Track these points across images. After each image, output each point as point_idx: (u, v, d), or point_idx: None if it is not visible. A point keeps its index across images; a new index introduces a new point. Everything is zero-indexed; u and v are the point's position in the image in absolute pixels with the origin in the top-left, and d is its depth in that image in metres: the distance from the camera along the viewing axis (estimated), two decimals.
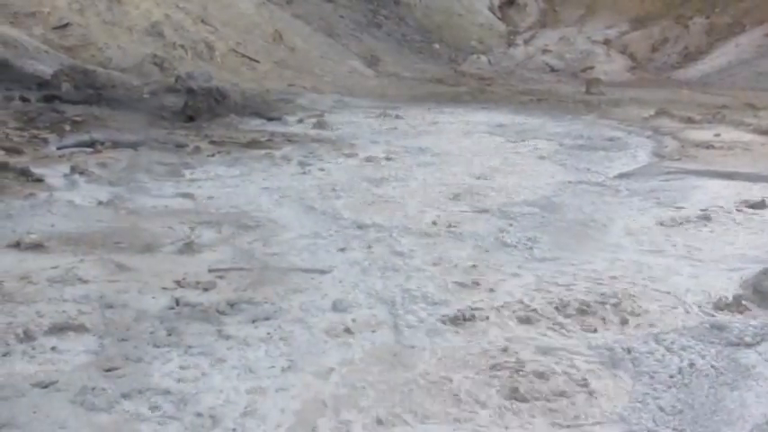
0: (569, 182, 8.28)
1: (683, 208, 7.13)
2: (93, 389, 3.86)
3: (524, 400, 3.85)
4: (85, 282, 5.25)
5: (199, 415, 3.71)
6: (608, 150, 10.09)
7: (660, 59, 19.79)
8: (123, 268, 5.50)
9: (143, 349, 4.35)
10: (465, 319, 4.71)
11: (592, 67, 19.23)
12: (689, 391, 3.92)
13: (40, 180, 7.68)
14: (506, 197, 7.63)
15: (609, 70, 19.10)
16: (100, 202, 7.14)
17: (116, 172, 8.34)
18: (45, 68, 12.53)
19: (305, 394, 3.90)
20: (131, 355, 4.29)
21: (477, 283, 5.31)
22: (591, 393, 3.93)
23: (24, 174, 7.68)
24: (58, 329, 4.52)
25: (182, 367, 4.16)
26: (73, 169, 8.11)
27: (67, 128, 10.02)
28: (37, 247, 5.85)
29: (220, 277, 5.38)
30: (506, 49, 21.20)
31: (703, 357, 4.26)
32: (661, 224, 6.73)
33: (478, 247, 6.09)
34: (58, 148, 9.26)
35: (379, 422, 3.66)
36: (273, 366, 4.17)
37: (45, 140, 9.55)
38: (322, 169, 8.78)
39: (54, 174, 8.01)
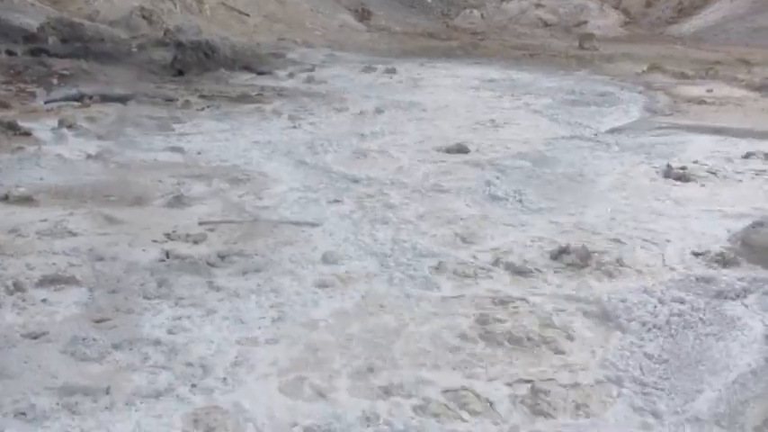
0: (561, 136, 8.27)
1: (673, 162, 7.13)
2: (84, 339, 3.86)
3: (515, 347, 3.88)
4: (75, 234, 5.24)
5: (189, 365, 3.73)
6: (600, 105, 10.07)
7: (654, 15, 19.67)
8: (113, 221, 5.49)
9: (133, 301, 4.36)
10: (455, 271, 4.73)
11: (585, 22, 19.10)
12: (675, 342, 3.96)
13: (27, 134, 7.62)
14: (498, 151, 7.62)
15: (602, 25, 18.98)
16: (89, 156, 7.10)
17: (105, 126, 8.28)
18: (31, 21, 12.35)
19: (295, 344, 3.92)
20: (122, 306, 4.30)
21: (468, 235, 5.32)
22: (581, 341, 3.97)
23: (12, 127, 7.62)
24: (49, 282, 4.52)
25: (172, 318, 4.17)
26: (61, 123, 8.04)
27: (55, 82, 9.93)
28: (26, 200, 5.83)
29: (211, 230, 5.38)
30: (499, 4, 21.02)
31: (690, 309, 4.29)
32: (651, 178, 6.74)
33: (469, 200, 6.10)
34: (46, 102, 9.17)
35: (369, 370, 3.69)
36: (264, 317, 4.19)
37: (32, 94, 9.47)
38: (312, 123, 8.74)
39: (42, 128, 7.94)
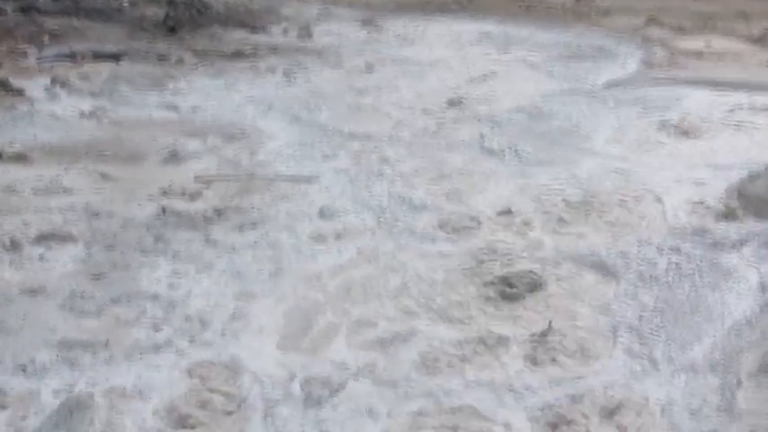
0: (557, 91, 8.19)
1: (671, 115, 7.09)
2: (82, 295, 3.88)
3: (512, 299, 3.90)
4: (71, 191, 5.22)
5: (188, 319, 3.75)
6: (597, 59, 9.94)
7: None
8: (108, 178, 5.46)
9: (130, 256, 4.37)
10: (452, 225, 4.74)
11: None
12: (671, 292, 3.98)
13: (20, 92, 7.54)
14: (494, 105, 7.55)
15: None
16: (82, 114, 7.03)
17: (98, 83, 8.19)
18: None
19: (293, 298, 3.94)
20: (119, 262, 4.30)
21: (464, 189, 5.31)
22: (576, 293, 3.99)
23: (4, 86, 7.53)
24: (45, 238, 4.52)
25: (170, 273, 4.18)
26: (53, 81, 7.95)
27: (46, 40, 9.79)
28: (20, 157, 5.79)
29: (206, 186, 5.36)
30: None
31: (686, 260, 4.31)
32: (648, 132, 6.70)
33: (465, 154, 6.07)
34: (38, 60, 9.06)
35: (368, 323, 3.71)
36: (261, 271, 4.20)
37: (24, 53, 9.36)
38: (307, 80, 8.65)
39: (34, 86, 7.86)
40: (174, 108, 7.38)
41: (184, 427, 3.00)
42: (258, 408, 3.10)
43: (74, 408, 2.92)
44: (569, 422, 3.01)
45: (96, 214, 4.87)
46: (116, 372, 3.32)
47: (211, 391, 3.21)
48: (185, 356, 3.44)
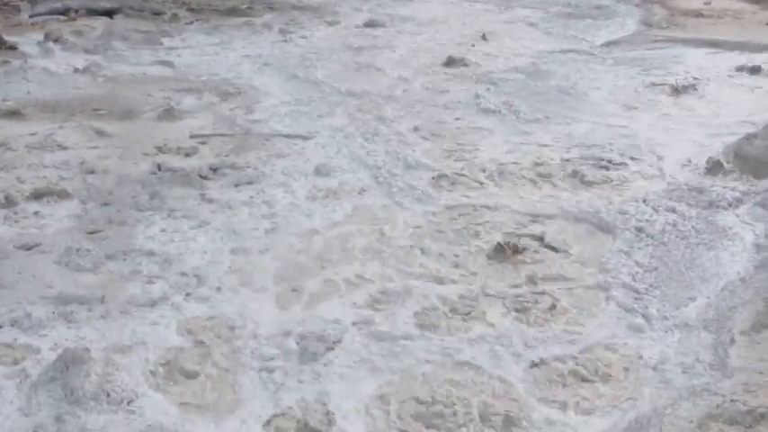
0: (555, 50, 8.15)
1: (668, 75, 7.06)
2: (78, 250, 3.87)
3: (510, 255, 3.90)
4: (65, 148, 5.20)
5: (183, 274, 3.74)
6: (595, 19, 9.90)
7: None
8: (103, 135, 5.44)
9: (126, 213, 4.35)
10: (448, 181, 4.73)
11: None
12: (666, 250, 3.98)
13: (13, 48, 7.49)
14: (492, 64, 7.52)
15: None
16: (76, 70, 6.99)
17: (92, 40, 8.13)
18: None
19: (288, 254, 3.94)
20: (114, 218, 4.29)
21: (460, 147, 5.30)
22: (573, 252, 3.99)
23: None
24: (40, 195, 4.51)
25: (165, 230, 4.17)
26: (47, 37, 7.89)
27: None
28: (14, 114, 5.76)
29: (202, 143, 5.34)
30: None
31: (682, 219, 4.31)
32: (646, 91, 6.67)
33: (463, 112, 6.05)
34: (31, 16, 8.98)
35: (364, 280, 3.71)
36: (257, 228, 4.20)
37: (17, 8, 9.26)
38: (303, 37, 8.59)
39: (28, 42, 7.81)
40: (169, 65, 7.34)
41: (180, 381, 3.01)
42: (254, 363, 3.11)
43: (70, 362, 2.92)
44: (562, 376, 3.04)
45: (91, 171, 4.85)
46: (112, 326, 3.32)
47: (207, 345, 3.22)
48: (181, 312, 3.44)
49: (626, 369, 3.10)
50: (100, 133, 5.44)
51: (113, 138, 5.39)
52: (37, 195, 4.49)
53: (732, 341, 3.15)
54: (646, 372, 3.08)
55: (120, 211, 4.37)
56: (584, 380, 3.04)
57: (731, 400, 2.64)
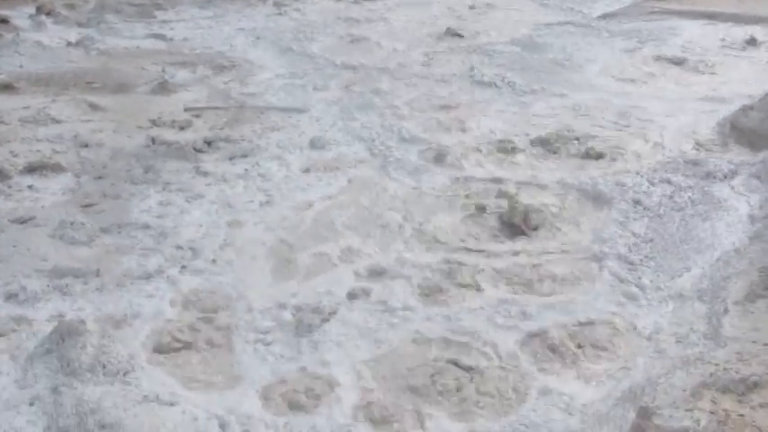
0: (552, 22, 8.10)
1: (665, 47, 7.03)
2: (72, 224, 3.86)
3: (510, 229, 3.91)
4: (59, 122, 5.17)
5: (179, 247, 3.74)
6: None
7: None
8: (97, 108, 5.41)
9: (120, 186, 4.34)
10: (442, 154, 4.71)
11: None
12: (662, 222, 3.99)
13: (4, 21, 7.41)
14: (488, 37, 7.47)
15: None
16: (69, 43, 6.93)
17: (84, 13, 8.06)
18: None
19: (283, 226, 3.93)
20: (109, 192, 4.28)
21: (456, 120, 5.28)
22: (569, 224, 3.99)
23: None
24: (34, 168, 4.49)
25: (160, 203, 4.16)
26: (39, 10, 7.81)
27: None
28: (6, 87, 5.72)
29: (196, 116, 5.31)
30: None
31: (678, 190, 4.31)
32: (642, 64, 6.65)
33: (458, 85, 6.02)
34: None
35: (359, 253, 3.71)
36: (252, 201, 4.19)
37: None
38: (298, 10, 8.53)
39: (19, 15, 7.73)
40: (163, 38, 7.28)
41: (176, 353, 3.01)
42: (249, 335, 3.11)
43: (65, 334, 2.92)
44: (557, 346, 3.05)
45: (85, 144, 4.83)
46: (107, 299, 3.32)
47: (203, 318, 3.22)
48: (176, 284, 3.44)
49: (620, 339, 3.11)
50: (93, 107, 5.41)
51: (107, 111, 5.36)
52: (31, 169, 4.47)
53: (726, 311, 3.16)
54: (640, 342, 3.09)
55: (115, 184, 4.36)
56: (578, 349, 3.05)
57: (724, 369, 2.65)
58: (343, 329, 3.15)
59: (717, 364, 2.73)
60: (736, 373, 2.61)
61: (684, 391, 2.63)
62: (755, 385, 2.53)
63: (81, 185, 4.35)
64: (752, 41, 7.14)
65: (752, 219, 3.96)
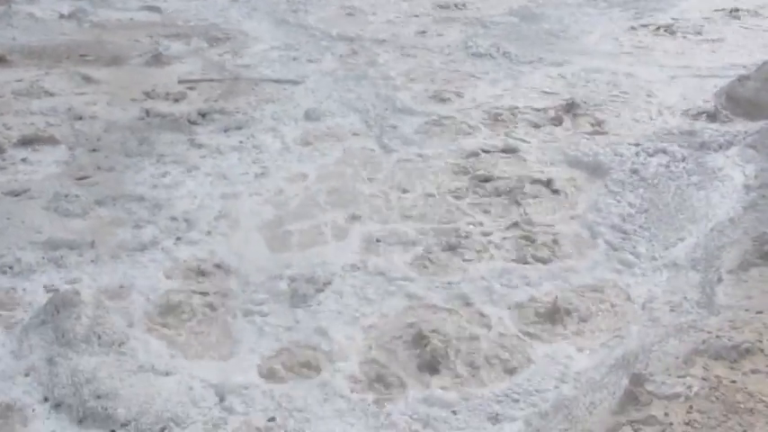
0: None
1: (662, 18, 6.98)
2: (67, 196, 3.85)
3: (498, 195, 3.91)
4: (52, 94, 5.14)
5: (173, 219, 3.74)
6: None
7: None
8: (90, 80, 5.38)
9: (114, 159, 4.33)
10: (438, 125, 4.70)
11: None
12: (657, 192, 3.98)
13: None
14: (484, 7, 7.42)
15: None
16: (62, 15, 6.88)
17: None
18: None
19: (278, 198, 3.93)
20: (103, 164, 4.27)
21: (452, 91, 5.26)
22: (565, 194, 4.00)
23: None
24: (28, 141, 4.47)
25: (155, 175, 4.15)
26: None
27: None
28: None
29: (191, 88, 5.29)
30: None
31: (673, 161, 4.30)
32: (639, 34, 6.61)
33: (454, 56, 5.99)
34: None
35: (352, 222, 3.71)
36: (247, 173, 4.18)
37: None
38: None
39: None
40: (156, 10, 7.23)
41: (171, 324, 3.02)
42: (245, 305, 3.12)
43: (60, 305, 2.92)
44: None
45: (79, 117, 4.81)
46: (102, 270, 3.33)
47: (198, 289, 3.22)
48: (171, 255, 3.44)
49: (614, 308, 3.13)
50: (87, 79, 5.38)
51: (101, 84, 5.33)
52: (24, 142, 4.45)
53: (719, 280, 3.16)
54: (634, 310, 3.10)
55: (109, 156, 4.35)
56: (572, 317, 3.06)
57: (717, 337, 2.66)
58: (339, 299, 3.15)
59: (709, 332, 2.74)
60: (729, 340, 2.62)
61: (677, 358, 2.64)
62: (747, 352, 2.54)
63: (75, 158, 4.33)
64: (749, 12, 7.09)
65: (747, 188, 3.95)
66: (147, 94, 5.15)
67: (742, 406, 2.30)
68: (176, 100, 5.08)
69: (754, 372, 2.46)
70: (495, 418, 2.57)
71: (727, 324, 2.80)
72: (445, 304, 3.13)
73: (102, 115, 4.84)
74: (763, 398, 2.33)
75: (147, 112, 4.85)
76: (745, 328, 2.73)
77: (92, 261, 3.40)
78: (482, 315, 3.07)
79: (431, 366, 2.81)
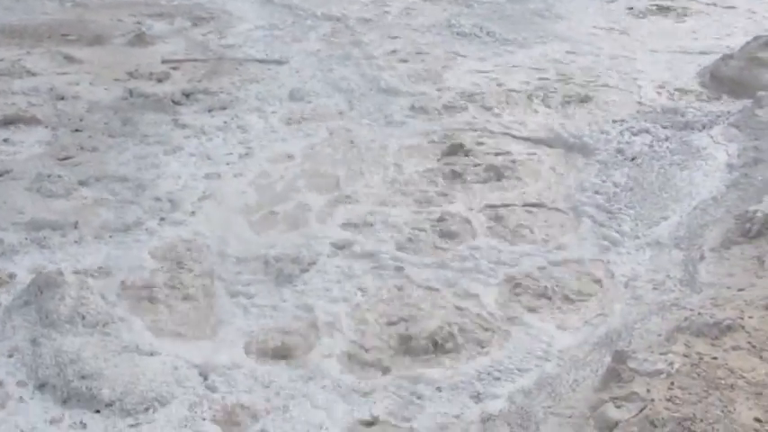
0: None
1: None
2: (49, 177, 3.82)
3: (485, 172, 3.91)
4: (34, 74, 5.09)
5: (157, 199, 3.72)
6: None
7: None
8: (72, 60, 5.32)
9: (98, 139, 4.30)
10: (422, 105, 4.69)
11: None
12: (641, 171, 4.00)
13: None
14: None
15: None
16: None
17: None
18: None
19: (263, 179, 3.92)
20: (86, 144, 4.24)
21: (436, 71, 5.25)
22: (552, 170, 4.01)
23: None
24: (9, 121, 4.43)
25: (138, 156, 4.13)
26: None
27: None
28: None
29: (174, 68, 5.25)
30: None
31: (657, 140, 4.31)
32: (622, 14, 6.61)
33: (438, 36, 5.97)
34: None
35: (339, 204, 3.71)
36: (231, 153, 4.16)
37: None
38: None
39: None
40: None
41: (155, 304, 3.01)
42: (229, 286, 3.11)
43: (44, 286, 2.91)
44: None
45: (61, 97, 4.76)
46: (86, 251, 3.31)
47: (182, 269, 3.21)
48: (155, 236, 3.43)
49: (598, 286, 3.15)
50: (69, 59, 5.33)
51: (83, 63, 5.28)
52: (6, 122, 4.41)
53: (702, 258, 3.19)
54: (617, 288, 3.13)
55: (92, 137, 4.31)
56: (556, 296, 3.08)
57: (699, 314, 2.68)
58: (323, 279, 3.15)
59: (692, 310, 2.76)
60: (711, 317, 2.64)
61: (659, 335, 2.66)
62: (728, 329, 2.57)
63: (58, 138, 4.30)
64: None
65: (730, 167, 3.98)
66: (131, 74, 5.11)
67: (723, 382, 2.33)
68: (160, 80, 5.04)
69: (735, 348, 2.48)
70: (476, 397, 2.59)
71: (709, 302, 2.83)
72: (429, 283, 3.14)
73: (84, 95, 4.80)
74: (744, 374, 2.35)
75: (131, 93, 4.81)
76: (727, 305, 2.75)
77: (75, 242, 3.38)
78: (466, 290, 3.09)
79: (416, 345, 2.82)
